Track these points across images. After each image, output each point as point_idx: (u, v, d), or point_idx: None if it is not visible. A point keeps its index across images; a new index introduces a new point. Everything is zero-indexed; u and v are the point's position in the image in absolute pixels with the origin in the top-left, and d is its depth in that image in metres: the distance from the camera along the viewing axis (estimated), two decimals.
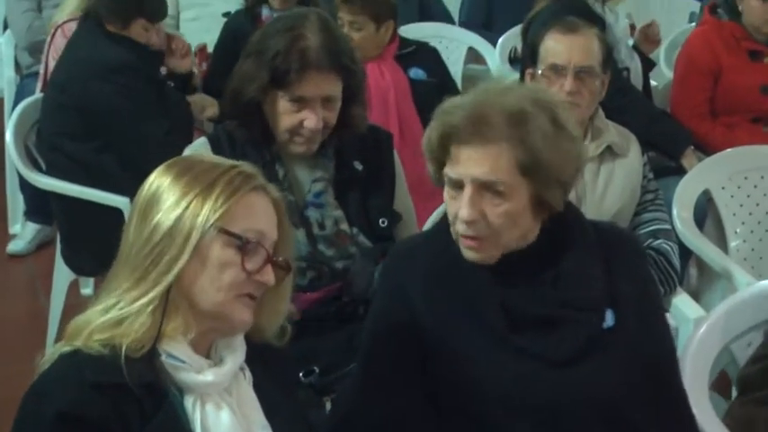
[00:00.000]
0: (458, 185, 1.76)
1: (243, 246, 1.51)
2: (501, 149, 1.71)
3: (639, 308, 1.80)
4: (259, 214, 1.55)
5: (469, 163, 1.73)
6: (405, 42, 3.75)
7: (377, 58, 3.58)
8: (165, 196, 1.51)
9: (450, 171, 1.76)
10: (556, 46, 2.64)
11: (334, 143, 2.33)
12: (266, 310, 1.60)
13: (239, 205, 1.52)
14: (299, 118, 2.24)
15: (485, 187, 1.73)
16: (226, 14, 4.65)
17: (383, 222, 2.33)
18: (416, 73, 3.68)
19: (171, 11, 4.75)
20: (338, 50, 2.25)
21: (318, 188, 2.31)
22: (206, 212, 1.49)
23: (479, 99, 1.76)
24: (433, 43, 4.54)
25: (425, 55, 3.77)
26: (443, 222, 1.85)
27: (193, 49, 4.40)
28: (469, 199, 1.74)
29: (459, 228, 1.77)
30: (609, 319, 1.78)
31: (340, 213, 2.31)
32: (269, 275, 1.54)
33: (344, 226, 2.30)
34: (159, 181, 1.53)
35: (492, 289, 1.77)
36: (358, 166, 2.36)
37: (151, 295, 1.47)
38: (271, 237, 1.56)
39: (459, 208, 1.76)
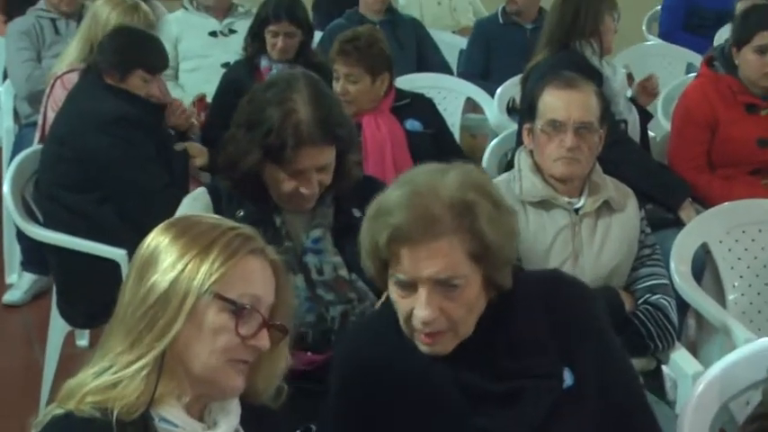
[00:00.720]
0: (410, 286, 1.72)
1: (238, 311, 1.50)
2: (451, 243, 1.68)
3: (596, 358, 1.78)
4: (256, 278, 1.54)
5: (422, 263, 1.68)
6: (401, 94, 3.78)
7: (373, 110, 3.61)
8: (163, 257, 1.51)
9: (399, 273, 1.71)
10: (554, 102, 2.66)
11: (331, 191, 2.38)
12: (262, 372, 1.59)
13: (236, 269, 1.51)
14: (296, 185, 2.28)
15: (440, 284, 1.69)
16: (225, 65, 4.70)
17: None
18: (413, 125, 3.70)
19: (171, 62, 4.82)
20: (330, 121, 2.28)
21: (317, 234, 2.34)
22: (202, 276, 1.49)
23: (416, 193, 1.71)
24: (430, 93, 4.59)
25: (421, 106, 3.80)
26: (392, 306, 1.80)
27: (192, 99, 4.45)
28: (426, 299, 1.69)
29: (415, 325, 1.73)
30: (568, 378, 1.76)
31: (339, 260, 2.33)
32: (263, 340, 1.53)
33: (343, 272, 2.32)
34: (157, 240, 1.54)
35: (446, 370, 1.74)
36: (356, 213, 2.38)
37: (145, 360, 1.47)
38: (267, 300, 1.55)
39: (412, 306, 1.72)
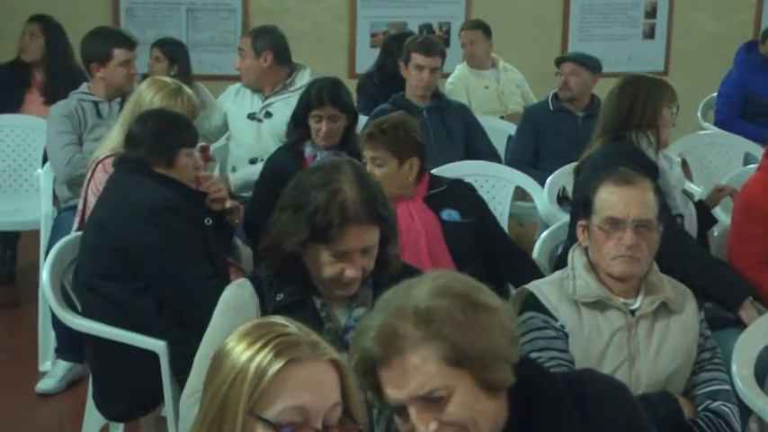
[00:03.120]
0: (401, 411, 1.73)
1: (278, 429, 1.50)
2: (421, 356, 1.69)
3: None
4: (301, 388, 1.53)
5: (398, 383, 1.70)
6: (436, 181, 3.78)
7: (407, 199, 3.62)
8: (223, 367, 1.55)
9: (389, 396, 1.73)
10: (612, 198, 2.67)
11: (371, 278, 2.45)
12: None
13: (274, 385, 1.52)
14: (340, 268, 2.36)
15: (424, 400, 1.70)
16: (252, 161, 4.84)
17: None
18: (450, 215, 3.70)
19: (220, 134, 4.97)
20: (375, 201, 2.39)
21: (359, 312, 2.41)
22: (243, 397, 1.51)
23: (384, 314, 1.74)
24: (479, 182, 4.64)
25: (459, 193, 3.79)
26: None
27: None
28: (418, 418, 1.70)
29: None
30: None
31: None
32: None
33: None
34: (226, 348, 1.58)
35: None
36: None
37: None
38: (323, 406, 1.54)
39: (413, 428, 1.72)
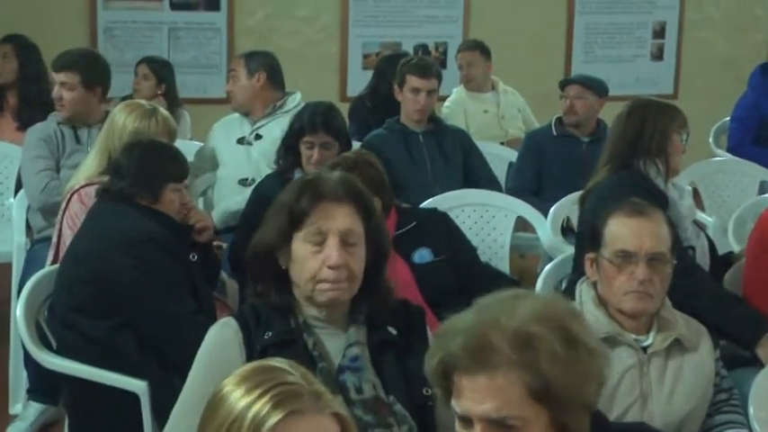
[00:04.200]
0: (467, 421, 1.73)
1: None
2: (508, 379, 1.69)
3: None
4: None
5: (475, 397, 1.70)
6: (404, 217, 3.76)
7: None
8: (216, 414, 1.56)
9: (456, 405, 1.73)
10: (623, 230, 2.69)
11: (364, 310, 2.45)
12: None
13: None
14: (320, 259, 2.36)
15: (494, 424, 1.70)
16: (242, 182, 4.85)
17: (427, 391, 2.36)
18: (421, 256, 3.70)
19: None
20: (356, 188, 2.43)
21: (354, 352, 2.40)
22: None
23: (479, 320, 1.74)
24: (478, 212, 4.67)
25: (431, 227, 3.78)
26: None
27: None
28: None
29: None
30: None
31: (377, 380, 2.38)
32: None
33: (382, 393, 2.37)
34: (223, 391, 1.59)
35: None
36: (392, 330, 2.46)
37: None
38: None
39: None
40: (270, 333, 2.41)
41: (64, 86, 4.66)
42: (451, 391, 1.75)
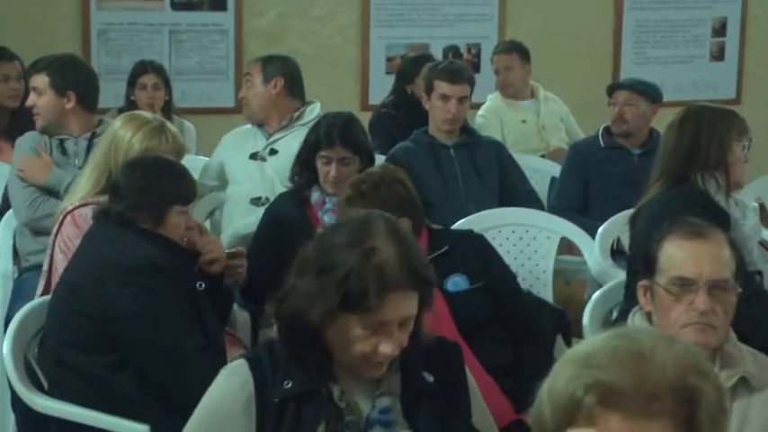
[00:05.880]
0: None
1: None
2: (662, 429, 1.64)
3: None
4: None
5: None
6: (437, 240, 3.77)
7: None
8: None
9: None
10: (680, 254, 2.69)
11: (398, 356, 2.43)
12: None
13: None
14: (374, 344, 2.34)
15: None
16: (254, 201, 4.87)
17: None
18: (456, 284, 3.71)
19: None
20: (415, 261, 2.38)
21: (385, 404, 2.41)
22: None
23: (640, 354, 1.68)
24: (517, 233, 4.67)
25: (466, 251, 3.79)
26: None
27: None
28: None
29: None
30: None
31: None
32: None
33: None
34: None
35: None
36: (428, 377, 2.46)
37: None
38: None
39: None
40: (290, 383, 2.39)
41: (35, 92, 4.70)
42: (569, 422, 1.69)
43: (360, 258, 2.33)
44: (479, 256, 3.81)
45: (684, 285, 2.66)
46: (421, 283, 2.38)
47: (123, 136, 4.08)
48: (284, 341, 2.44)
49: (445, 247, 3.75)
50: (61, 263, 3.86)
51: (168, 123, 4.27)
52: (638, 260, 3.01)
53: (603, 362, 1.68)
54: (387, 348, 2.34)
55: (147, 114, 4.39)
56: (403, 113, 6.27)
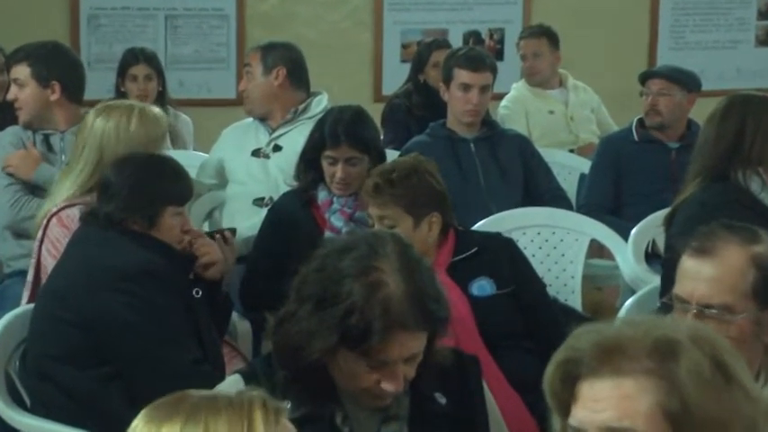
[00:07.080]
0: None
1: None
2: (639, 387, 1.70)
3: None
4: None
5: (595, 406, 1.72)
6: (464, 241, 3.79)
7: None
8: None
9: (575, 417, 1.75)
10: (682, 269, 2.67)
11: (408, 384, 2.44)
12: None
13: None
14: (376, 380, 2.35)
15: None
16: (258, 201, 4.88)
17: None
18: (481, 287, 3.72)
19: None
20: (425, 296, 2.35)
21: (392, 429, 2.42)
22: None
23: (620, 324, 1.77)
24: (543, 234, 4.67)
25: (494, 255, 3.80)
26: None
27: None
28: None
29: None
30: None
31: None
32: None
33: None
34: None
35: None
36: (440, 398, 2.46)
37: None
38: None
39: None
40: (289, 404, 2.39)
41: (16, 84, 4.72)
42: (570, 407, 1.77)
43: (364, 292, 2.32)
44: (508, 261, 3.81)
45: (681, 303, 2.64)
46: (429, 318, 2.36)
47: (115, 126, 4.03)
48: (283, 365, 2.44)
49: (473, 250, 3.76)
50: (51, 266, 3.83)
51: (148, 106, 4.28)
52: (672, 265, 3.00)
53: (581, 334, 1.78)
54: (390, 386, 2.34)
55: (121, 101, 4.41)
56: (417, 103, 6.27)
